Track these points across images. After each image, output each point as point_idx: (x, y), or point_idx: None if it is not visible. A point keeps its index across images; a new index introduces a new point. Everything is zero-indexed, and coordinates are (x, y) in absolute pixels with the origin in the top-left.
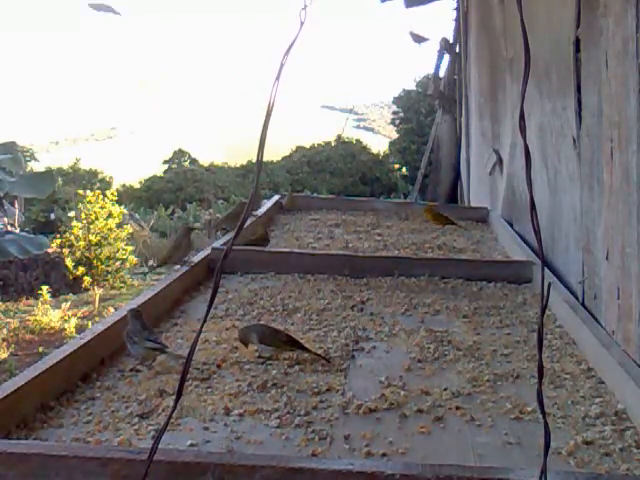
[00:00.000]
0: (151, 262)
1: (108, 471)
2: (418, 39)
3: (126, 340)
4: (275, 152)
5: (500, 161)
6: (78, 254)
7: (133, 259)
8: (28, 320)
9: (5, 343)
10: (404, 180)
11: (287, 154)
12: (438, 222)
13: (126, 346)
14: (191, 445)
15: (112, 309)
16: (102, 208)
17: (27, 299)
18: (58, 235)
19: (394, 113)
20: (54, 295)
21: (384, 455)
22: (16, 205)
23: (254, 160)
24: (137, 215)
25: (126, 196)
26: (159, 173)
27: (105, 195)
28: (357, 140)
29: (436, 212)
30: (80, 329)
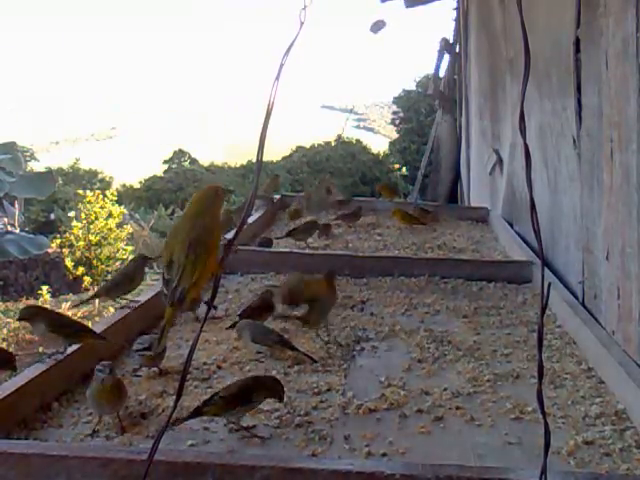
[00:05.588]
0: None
1: (108, 471)
2: (376, 27)
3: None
4: (275, 152)
5: (500, 161)
6: (78, 254)
7: None
8: None
9: (5, 343)
10: (404, 180)
11: (287, 154)
12: (406, 222)
13: (126, 347)
14: (191, 445)
15: (112, 309)
16: (102, 208)
17: (27, 299)
18: (58, 235)
19: (394, 113)
20: (54, 295)
21: (384, 455)
22: (16, 205)
23: (254, 160)
24: (137, 215)
25: (126, 196)
26: (159, 173)
27: (105, 195)
28: (357, 140)
29: (404, 213)
30: None
